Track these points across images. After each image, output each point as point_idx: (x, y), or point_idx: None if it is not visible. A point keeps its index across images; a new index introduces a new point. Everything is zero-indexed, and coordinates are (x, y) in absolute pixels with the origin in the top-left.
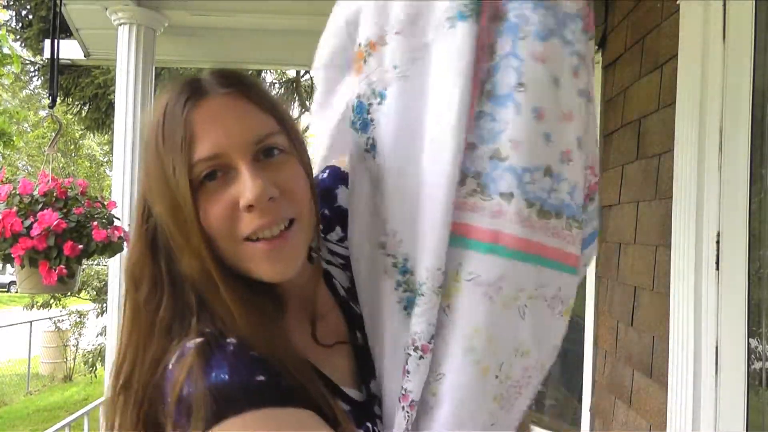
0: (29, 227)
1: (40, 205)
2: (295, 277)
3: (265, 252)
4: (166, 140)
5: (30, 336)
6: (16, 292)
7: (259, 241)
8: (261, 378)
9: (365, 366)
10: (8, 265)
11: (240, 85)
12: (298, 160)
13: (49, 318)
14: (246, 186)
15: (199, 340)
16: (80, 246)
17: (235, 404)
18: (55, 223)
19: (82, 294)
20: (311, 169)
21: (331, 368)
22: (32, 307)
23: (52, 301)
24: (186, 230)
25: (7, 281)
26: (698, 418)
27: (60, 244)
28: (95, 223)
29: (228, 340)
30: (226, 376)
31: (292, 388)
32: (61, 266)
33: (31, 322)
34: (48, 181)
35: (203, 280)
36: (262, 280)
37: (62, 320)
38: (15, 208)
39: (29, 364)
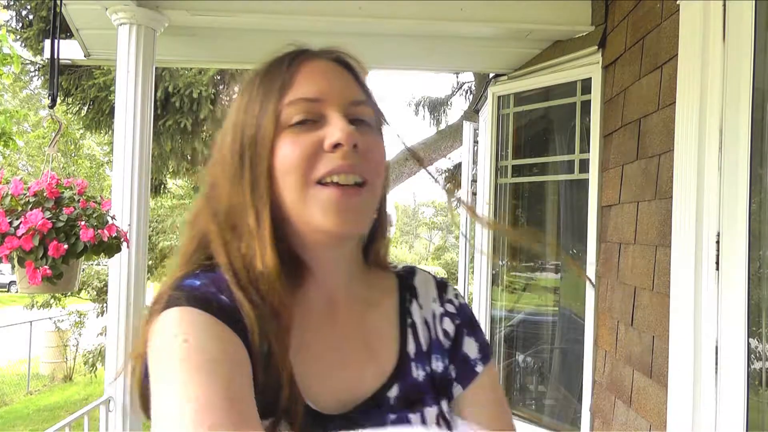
0: (17, 227)
1: (30, 205)
2: (344, 265)
3: (335, 198)
4: (263, 83)
5: (30, 336)
6: (17, 292)
7: (331, 185)
8: (223, 298)
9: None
10: (9, 266)
11: (346, 58)
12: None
13: (49, 318)
14: (337, 127)
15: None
16: (65, 246)
17: (185, 300)
18: (39, 222)
19: (82, 294)
20: (387, 170)
21: (314, 364)
22: (32, 307)
23: (52, 301)
24: (253, 165)
25: (7, 281)
26: (698, 417)
27: (47, 243)
28: (83, 223)
29: (224, 274)
30: (197, 283)
31: (244, 324)
32: (45, 267)
33: (31, 322)
34: (48, 180)
35: (249, 212)
36: (324, 230)
37: (62, 320)
38: (19, 208)
39: (29, 364)
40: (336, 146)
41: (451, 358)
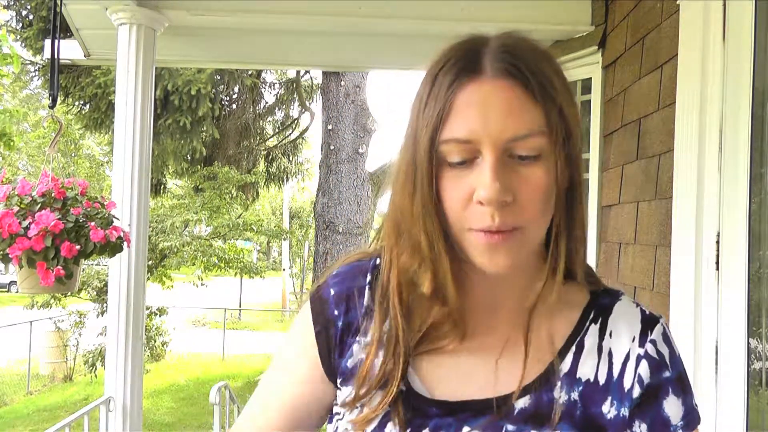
0: (27, 228)
1: (38, 206)
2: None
3: (486, 243)
4: (426, 108)
5: (30, 336)
6: (17, 292)
7: (481, 231)
8: (329, 293)
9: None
10: (9, 265)
11: (519, 72)
12: (552, 165)
13: (49, 318)
14: (483, 182)
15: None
16: (78, 246)
17: (315, 293)
18: (52, 223)
19: (82, 294)
20: (574, 176)
21: (450, 371)
22: (32, 307)
23: (52, 301)
24: (423, 194)
25: (7, 281)
26: None
27: (58, 244)
28: (93, 223)
29: (378, 259)
30: (336, 271)
31: (331, 317)
32: (59, 267)
33: (31, 322)
34: (48, 181)
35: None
36: (480, 268)
37: (62, 320)
38: (16, 208)
39: (29, 364)
40: (482, 203)
41: (641, 414)
